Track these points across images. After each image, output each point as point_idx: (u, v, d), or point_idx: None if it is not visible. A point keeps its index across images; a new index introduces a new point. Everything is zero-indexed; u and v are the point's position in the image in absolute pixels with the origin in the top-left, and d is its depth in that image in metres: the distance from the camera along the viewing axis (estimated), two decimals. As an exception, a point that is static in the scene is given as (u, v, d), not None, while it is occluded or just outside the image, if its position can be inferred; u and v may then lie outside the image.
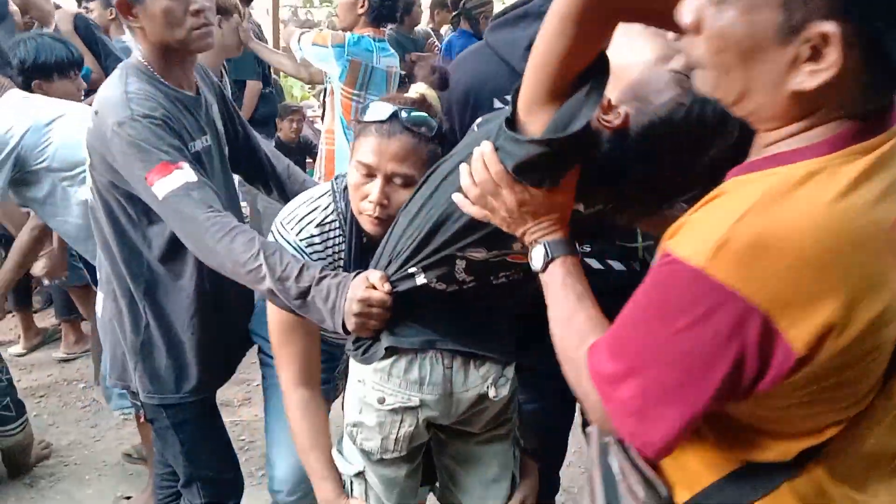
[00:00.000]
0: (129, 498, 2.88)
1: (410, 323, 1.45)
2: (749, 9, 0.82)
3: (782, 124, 0.88)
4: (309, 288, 1.44)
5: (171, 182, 1.58)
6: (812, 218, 0.81)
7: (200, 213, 1.56)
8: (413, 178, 1.44)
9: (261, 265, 1.47)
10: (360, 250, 1.56)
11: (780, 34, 0.81)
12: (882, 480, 1.00)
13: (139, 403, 1.94)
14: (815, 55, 0.80)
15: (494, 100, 1.62)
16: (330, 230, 1.56)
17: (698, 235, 0.86)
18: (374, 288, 1.40)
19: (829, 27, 0.78)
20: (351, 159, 1.51)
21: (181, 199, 1.57)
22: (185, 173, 1.59)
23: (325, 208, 1.57)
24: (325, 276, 1.45)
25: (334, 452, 1.59)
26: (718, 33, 0.86)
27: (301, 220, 1.56)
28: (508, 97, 1.18)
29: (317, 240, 1.55)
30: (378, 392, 1.45)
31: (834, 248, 0.81)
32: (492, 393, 1.49)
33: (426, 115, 1.46)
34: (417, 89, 1.53)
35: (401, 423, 1.47)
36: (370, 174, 1.46)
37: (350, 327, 1.41)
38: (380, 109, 1.45)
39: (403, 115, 1.44)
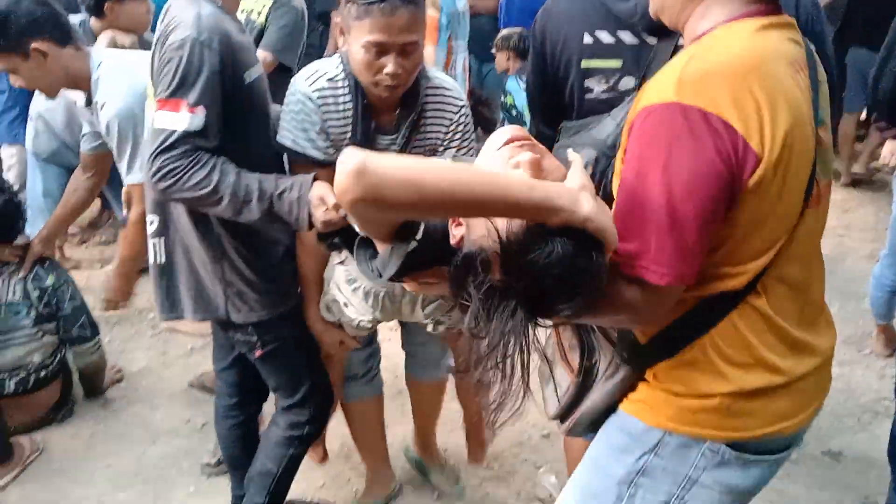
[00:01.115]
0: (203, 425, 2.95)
1: None
2: None
3: (692, 12, 1.15)
4: (270, 206, 1.67)
5: (172, 120, 1.63)
6: (739, 44, 1.09)
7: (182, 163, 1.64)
8: (418, 42, 1.65)
9: (221, 197, 1.65)
10: (364, 108, 1.76)
11: None
12: (818, 324, 1.25)
13: (254, 338, 1.93)
14: None
15: (584, 34, 1.60)
16: (339, 87, 1.75)
17: (659, 87, 1.08)
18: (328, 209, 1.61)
19: None
20: (352, 43, 1.66)
21: (166, 141, 1.62)
22: (191, 120, 1.62)
23: (336, 67, 1.76)
24: (283, 192, 1.67)
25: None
26: None
27: (313, 73, 1.76)
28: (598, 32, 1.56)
29: (327, 92, 1.74)
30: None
31: (759, 59, 1.07)
32: (429, 328, 1.97)
33: None
34: None
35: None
36: (382, 51, 1.63)
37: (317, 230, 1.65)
38: None
39: None
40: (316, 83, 1.74)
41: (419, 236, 1.15)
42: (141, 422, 2.98)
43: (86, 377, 3.05)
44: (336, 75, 1.75)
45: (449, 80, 1.93)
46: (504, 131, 1.19)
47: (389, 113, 1.79)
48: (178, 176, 1.62)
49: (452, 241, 1.16)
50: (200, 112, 1.62)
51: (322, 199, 1.63)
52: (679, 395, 1.20)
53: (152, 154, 1.63)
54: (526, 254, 1.00)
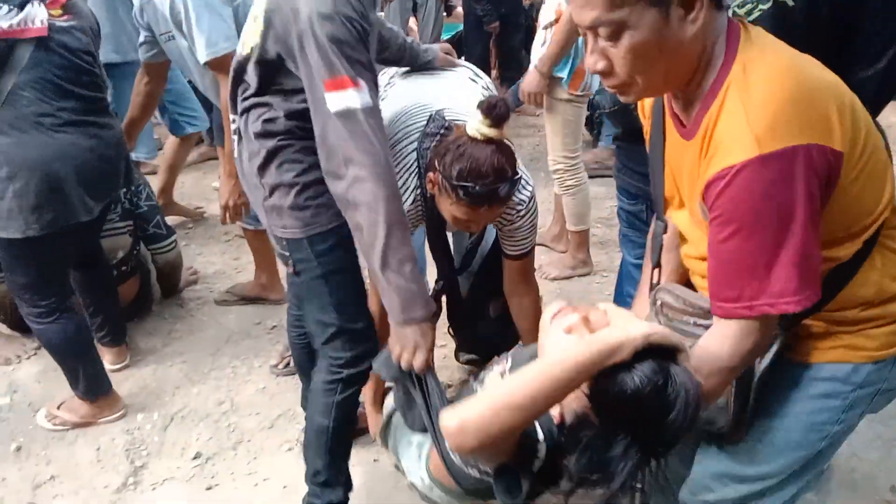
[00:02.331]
0: (274, 327, 3.10)
1: None
2: (634, 22, 1.08)
3: (698, 68, 1.15)
4: (388, 270, 1.66)
5: (346, 98, 1.59)
6: (786, 72, 1.10)
7: (375, 139, 1.62)
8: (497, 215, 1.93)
9: (376, 241, 1.64)
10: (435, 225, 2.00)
11: (661, 12, 1.07)
12: None
13: (287, 254, 1.88)
14: (688, 6, 1.08)
15: None
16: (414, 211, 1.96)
17: (731, 145, 1.09)
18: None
19: None
20: (441, 199, 1.83)
21: (354, 120, 1.60)
22: (362, 95, 1.60)
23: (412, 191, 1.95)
24: (413, 294, 1.69)
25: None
26: (630, 51, 1.11)
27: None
28: None
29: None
30: None
31: (788, 64, 1.11)
32: None
33: None
34: None
35: None
36: (466, 221, 1.85)
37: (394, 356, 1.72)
38: None
39: None
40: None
41: (542, 455, 1.23)
42: (215, 322, 3.16)
43: (163, 276, 3.22)
44: (412, 202, 1.97)
45: (524, 193, 2.02)
46: (548, 310, 1.30)
47: None
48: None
49: (555, 420, 1.23)
50: (363, 85, 1.63)
51: (415, 347, 1.70)
52: (878, 326, 1.26)
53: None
54: (610, 387, 1.08)
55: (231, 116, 1.90)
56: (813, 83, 1.10)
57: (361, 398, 2.31)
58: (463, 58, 2.41)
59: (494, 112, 1.71)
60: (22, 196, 2.20)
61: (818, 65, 1.15)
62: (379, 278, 1.68)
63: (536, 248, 2.31)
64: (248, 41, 1.72)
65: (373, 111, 1.62)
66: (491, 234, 2.34)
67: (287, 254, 1.86)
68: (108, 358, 2.85)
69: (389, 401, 2.16)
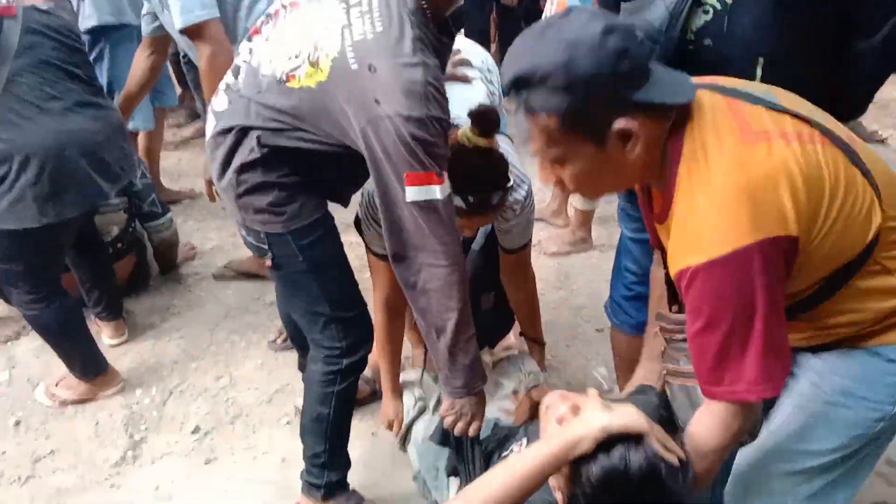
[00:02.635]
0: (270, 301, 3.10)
1: None
2: (572, 156, 1.18)
3: (649, 170, 1.22)
4: (455, 351, 1.68)
5: (425, 193, 1.55)
6: (731, 172, 1.12)
7: (451, 228, 1.61)
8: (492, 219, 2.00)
9: (446, 324, 1.64)
10: None
11: (598, 150, 1.16)
12: None
13: (265, 247, 1.80)
14: (625, 138, 1.15)
15: None
16: None
17: (687, 247, 1.15)
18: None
19: (624, 122, 1.13)
20: None
21: (435, 212, 1.57)
22: (443, 189, 1.56)
23: None
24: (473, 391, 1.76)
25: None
26: (573, 177, 1.21)
27: None
28: None
29: None
30: None
31: (757, 168, 1.12)
32: None
33: None
34: None
35: None
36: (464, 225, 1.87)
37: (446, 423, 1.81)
38: None
39: None
40: None
41: None
42: (213, 298, 3.15)
43: (159, 254, 3.21)
44: None
45: (519, 192, 2.01)
46: (544, 401, 1.34)
47: None
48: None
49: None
50: (445, 180, 1.59)
51: (472, 416, 1.79)
52: None
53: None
54: (577, 479, 1.18)
55: (222, 97, 1.76)
56: (760, 174, 1.11)
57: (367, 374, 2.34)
58: (463, 31, 2.37)
59: (485, 121, 1.68)
60: (36, 185, 2.17)
61: (763, 145, 1.14)
62: (444, 358, 1.70)
63: (536, 223, 2.30)
64: (299, 75, 1.58)
65: (450, 200, 1.60)
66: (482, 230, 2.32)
67: (265, 247, 1.79)
68: (106, 332, 2.86)
69: (408, 402, 2.21)
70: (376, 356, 2.34)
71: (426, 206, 1.55)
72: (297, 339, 2.38)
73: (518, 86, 1.15)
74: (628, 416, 1.17)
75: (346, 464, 2.08)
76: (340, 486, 2.06)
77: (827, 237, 1.15)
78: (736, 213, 1.09)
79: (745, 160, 1.12)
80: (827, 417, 1.34)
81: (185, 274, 3.31)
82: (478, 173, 1.74)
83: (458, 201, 1.71)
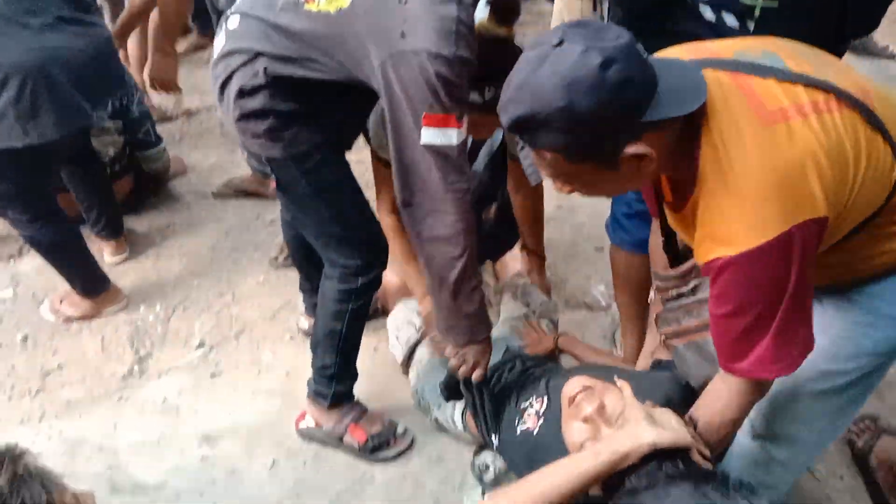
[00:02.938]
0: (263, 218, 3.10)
1: None
2: (585, 178, 1.20)
3: (666, 169, 1.21)
4: (457, 323, 1.72)
5: (441, 136, 1.51)
6: (759, 165, 1.09)
7: (463, 174, 1.57)
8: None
9: (452, 273, 1.63)
10: None
11: (612, 172, 1.15)
12: None
13: (267, 170, 1.80)
14: (639, 158, 1.11)
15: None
16: None
17: (715, 241, 1.14)
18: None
19: (635, 148, 1.10)
20: None
21: (449, 157, 1.53)
22: (459, 133, 1.52)
23: None
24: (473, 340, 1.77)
25: None
26: (588, 192, 1.24)
27: None
28: None
29: None
30: None
31: (782, 156, 1.09)
32: None
33: None
34: None
35: None
36: None
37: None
38: None
39: None
40: None
41: None
42: (213, 216, 3.15)
43: (152, 178, 3.18)
44: None
45: None
46: (565, 390, 1.44)
47: None
48: None
49: None
50: (463, 125, 1.55)
51: (476, 363, 1.81)
52: None
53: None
54: (624, 483, 1.20)
55: (235, 16, 1.70)
56: (785, 163, 1.09)
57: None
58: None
59: (505, 9, 1.60)
60: (19, 103, 2.12)
61: (782, 126, 1.11)
62: (447, 305, 1.70)
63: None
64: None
65: (463, 146, 1.55)
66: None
67: (267, 170, 1.76)
68: (107, 251, 2.87)
69: (410, 328, 2.26)
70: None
71: (440, 151, 1.51)
72: (298, 260, 2.38)
73: (519, 129, 1.13)
74: (675, 433, 1.22)
75: (354, 376, 2.12)
76: (346, 396, 2.12)
77: (853, 206, 1.16)
78: (764, 204, 1.08)
79: (767, 148, 1.10)
80: (855, 337, 1.35)
81: (184, 192, 3.29)
82: (496, 64, 1.68)
83: (474, 96, 1.65)
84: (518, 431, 1.74)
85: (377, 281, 1.97)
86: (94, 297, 2.59)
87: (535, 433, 1.68)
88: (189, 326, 2.60)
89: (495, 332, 2.30)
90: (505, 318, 2.36)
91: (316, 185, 1.76)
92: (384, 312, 2.54)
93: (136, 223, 3.10)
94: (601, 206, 2.18)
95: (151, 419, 2.25)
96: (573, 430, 1.37)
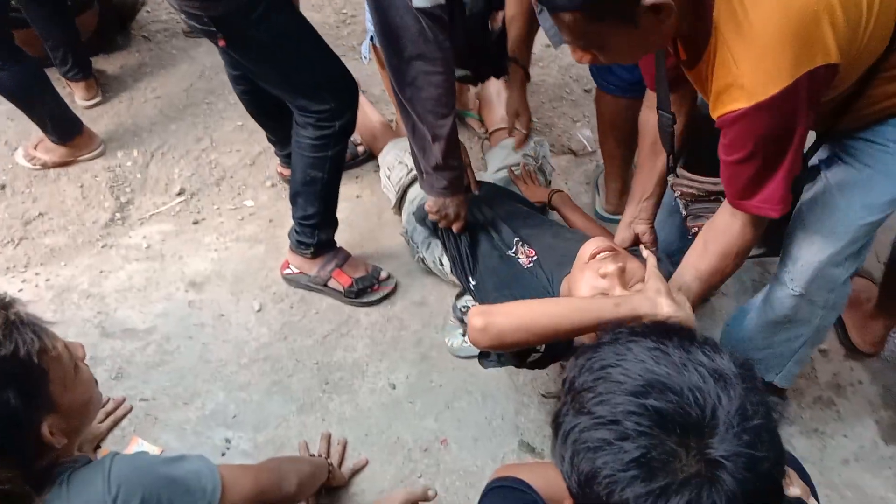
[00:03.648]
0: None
1: None
2: (605, 40, 1.18)
3: (683, 25, 1.20)
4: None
5: None
6: (774, 11, 1.09)
7: (441, 41, 1.57)
8: None
9: (440, 131, 1.69)
10: None
11: (631, 29, 1.13)
12: None
13: (213, 29, 1.67)
14: (658, 11, 1.09)
15: None
16: None
17: (728, 95, 1.17)
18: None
19: None
20: None
21: (434, 19, 1.52)
22: None
23: None
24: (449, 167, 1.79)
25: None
26: (608, 58, 1.23)
27: None
28: None
29: None
30: None
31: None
32: None
33: None
34: None
35: None
36: None
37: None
38: None
39: None
40: None
41: (542, 349, 1.50)
42: (186, 56, 3.01)
43: (119, 9, 3.01)
44: None
45: None
46: (589, 245, 1.49)
47: None
48: None
49: None
50: None
51: (456, 215, 1.90)
52: None
53: None
54: None
55: None
56: (800, 11, 1.09)
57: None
58: None
59: None
60: None
61: None
62: (435, 162, 1.76)
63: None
64: None
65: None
66: None
67: (213, 29, 1.66)
68: (78, 94, 2.76)
69: (401, 170, 2.25)
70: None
71: (432, 13, 1.51)
72: (254, 116, 2.28)
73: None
74: (688, 315, 1.27)
75: (335, 224, 2.13)
76: (329, 244, 2.13)
77: (864, 50, 1.18)
78: (780, 54, 1.10)
79: None
80: (888, 169, 1.39)
81: (154, 30, 3.12)
82: None
83: None
84: (502, 256, 1.81)
85: (352, 123, 1.95)
86: (67, 142, 2.52)
87: (525, 266, 1.76)
88: (168, 173, 2.56)
89: (491, 177, 2.29)
90: (501, 165, 2.33)
91: (269, 34, 1.69)
92: (372, 156, 2.51)
93: (107, 64, 2.96)
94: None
95: (137, 265, 2.27)
96: (586, 281, 1.44)
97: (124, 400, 1.93)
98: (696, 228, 1.70)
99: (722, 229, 1.39)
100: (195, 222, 2.39)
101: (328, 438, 1.84)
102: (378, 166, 2.52)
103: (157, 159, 2.60)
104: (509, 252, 1.85)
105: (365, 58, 2.52)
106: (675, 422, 0.67)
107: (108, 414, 1.89)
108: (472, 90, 2.74)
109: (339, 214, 2.20)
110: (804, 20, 1.09)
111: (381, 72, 2.45)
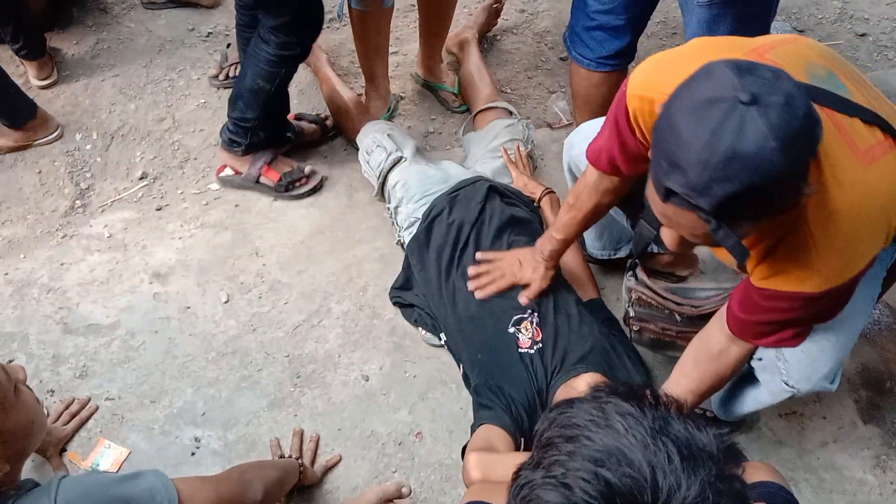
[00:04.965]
0: (194, 30, 2.84)
1: None
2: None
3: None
4: None
5: None
6: (861, 206, 1.11)
7: None
8: None
9: None
10: None
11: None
12: None
13: None
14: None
15: None
16: None
17: (798, 275, 1.16)
18: None
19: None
20: None
21: None
22: None
23: None
24: None
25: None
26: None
27: None
28: None
29: None
30: None
31: (879, 195, 1.13)
32: None
33: None
34: None
35: None
36: None
37: None
38: None
39: None
40: None
41: None
42: (144, 30, 2.87)
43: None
44: None
45: None
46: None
47: None
48: None
49: None
50: None
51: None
52: None
53: None
54: None
55: None
56: (881, 202, 1.11)
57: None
58: None
59: None
60: None
61: (873, 165, 1.11)
62: None
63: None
64: None
65: None
66: None
67: None
68: (31, 73, 2.64)
69: (380, 156, 2.20)
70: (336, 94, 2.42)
71: None
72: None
73: (730, 209, 0.97)
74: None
75: (269, 129, 2.24)
76: (259, 145, 2.25)
77: None
78: (861, 243, 1.13)
79: (865, 186, 1.10)
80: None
81: (110, 2, 2.97)
82: None
83: None
84: (497, 329, 1.78)
85: (307, 53, 2.14)
86: (21, 126, 2.41)
87: (521, 351, 1.74)
88: (130, 156, 2.46)
89: (480, 163, 2.20)
90: (489, 147, 2.25)
91: None
92: (350, 142, 2.41)
93: (62, 41, 2.82)
94: (569, 10, 1.99)
95: (99, 257, 2.19)
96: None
97: (89, 400, 1.89)
98: (638, 326, 1.70)
99: (716, 353, 1.39)
100: (158, 209, 2.31)
101: (300, 435, 1.80)
102: (347, 144, 2.44)
103: (117, 141, 2.50)
104: (508, 326, 1.75)
105: (339, 16, 2.43)
106: (624, 499, 0.61)
107: (73, 415, 1.85)
108: (445, 61, 2.65)
109: (311, 197, 2.26)
110: (886, 209, 1.12)
111: (354, 36, 2.36)
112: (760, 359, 1.49)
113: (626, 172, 1.40)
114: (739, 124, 0.91)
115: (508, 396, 1.62)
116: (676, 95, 0.99)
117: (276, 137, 2.29)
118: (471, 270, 1.80)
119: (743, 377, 1.59)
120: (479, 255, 1.83)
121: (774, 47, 1.18)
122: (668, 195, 0.99)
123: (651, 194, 1.06)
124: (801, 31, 2.88)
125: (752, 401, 1.61)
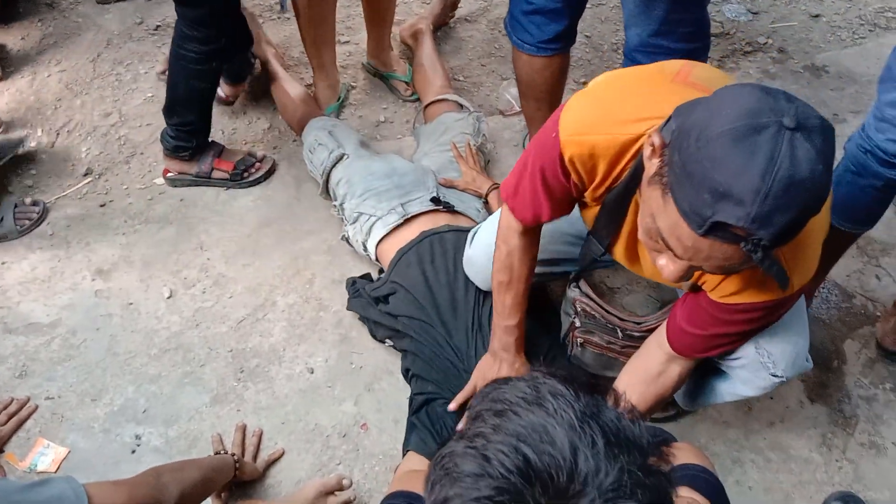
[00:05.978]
0: (142, 23, 2.80)
1: None
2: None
3: None
4: None
5: None
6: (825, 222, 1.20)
7: None
8: None
9: None
10: None
11: None
12: None
13: None
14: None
15: None
16: None
17: (761, 287, 1.18)
18: None
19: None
20: None
21: None
22: None
23: None
24: None
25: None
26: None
27: None
28: None
29: None
30: None
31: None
32: None
33: None
34: None
35: None
36: None
37: None
38: None
39: None
40: None
41: None
42: (91, 24, 2.82)
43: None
44: None
45: None
46: None
47: None
48: None
49: None
50: None
51: None
52: None
53: None
54: None
55: None
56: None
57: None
58: None
59: None
60: None
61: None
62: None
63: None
64: None
65: None
66: None
67: None
68: (-25, 71, 2.59)
69: (322, 154, 2.16)
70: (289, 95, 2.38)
71: None
72: None
73: (789, 236, 0.97)
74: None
75: (209, 128, 2.24)
76: (204, 144, 2.24)
77: None
78: (819, 246, 1.17)
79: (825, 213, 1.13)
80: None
81: (60, 5, 2.92)
82: None
83: None
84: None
85: (237, 48, 2.10)
86: (-37, 124, 2.37)
87: None
88: (75, 152, 2.41)
89: (427, 157, 2.18)
90: (439, 141, 2.23)
91: None
92: (298, 135, 2.37)
93: (6, 36, 2.77)
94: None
95: (41, 255, 2.15)
96: None
97: (28, 400, 1.85)
98: (582, 339, 1.69)
99: (656, 374, 1.40)
100: (102, 205, 2.27)
101: (242, 430, 1.77)
102: (296, 136, 2.41)
103: (62, 137, 2.46)
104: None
105: (283, 7, 2.40)
106: (540, 476, 0.59)
107: (12, 416, 1.82)
108: (397, 50, 2.62)
109: (257, 189, 2.21)
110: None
111: (299, 25, 2.33)
112: (739, 358, 1.44)
113: (551, 219, 1.39)
114: (790, 150, 0.89)
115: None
116: (704, 125, 0.93)
117: (242, 65, 2.35)
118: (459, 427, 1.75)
119: (707, 370, 1.57)
120: (451, 407, 1.69)
121: (689, 71, 1.18)
122: (712, 229, 0.94)
123: (674, 230, 0.99)
124: (755, 14, 2.88)
125: (729, 395, 1.57)
